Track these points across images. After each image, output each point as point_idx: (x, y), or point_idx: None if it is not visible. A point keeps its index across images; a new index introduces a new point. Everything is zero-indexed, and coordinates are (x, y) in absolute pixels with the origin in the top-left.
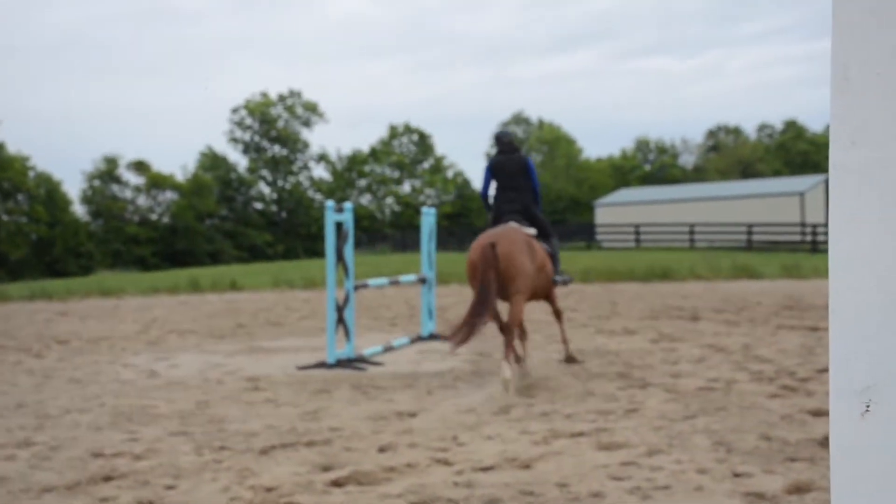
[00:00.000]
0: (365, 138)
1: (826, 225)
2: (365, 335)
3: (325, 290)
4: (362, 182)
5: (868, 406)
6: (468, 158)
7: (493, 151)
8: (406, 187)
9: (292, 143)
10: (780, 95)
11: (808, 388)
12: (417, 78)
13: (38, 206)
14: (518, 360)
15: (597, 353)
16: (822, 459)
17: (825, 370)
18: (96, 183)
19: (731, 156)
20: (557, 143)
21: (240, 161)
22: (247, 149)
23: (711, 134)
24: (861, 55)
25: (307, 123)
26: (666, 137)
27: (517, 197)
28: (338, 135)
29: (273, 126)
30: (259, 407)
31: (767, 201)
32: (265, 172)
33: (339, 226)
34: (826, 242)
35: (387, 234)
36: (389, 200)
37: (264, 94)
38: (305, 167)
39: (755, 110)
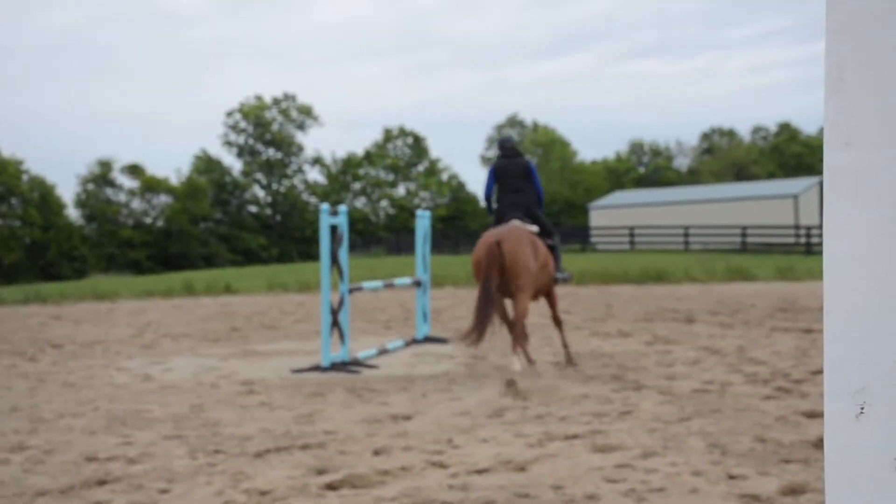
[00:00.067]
0: (359, 141)
1: (820, 227)
2: (359, 338)
3: (320, 294)
4: (357, 185)
5: (862, 408)
6: (463, 161)
7: (496, 156)
8: (401, 190)
9: (287, 147)
10: (774, 98)
11: (803, 390)
12: (412, 80)
13: (32, 209)
14: (529, 359)
15: (591, 355)
16: (817, 461)
17: (819, 372)
18: (90, 186)
19: (725, 158)
20: (552, 145)
21: (234, 164)
22: (241, 152)
23: (706, 136)
24: (855, 57)
25: (301, 127)
26: (660, 140)
27: (519, 199)
28: (332, 138)
29: (267, 129)
30: (253, 410)
31: (761, 203)
32: (259, 176)
33: (333, 229)
34: (820, 244)
35: (381, 237)
36: (384, 203)
37: (259, 98)
38: (300, 170)
39: (749, 113)
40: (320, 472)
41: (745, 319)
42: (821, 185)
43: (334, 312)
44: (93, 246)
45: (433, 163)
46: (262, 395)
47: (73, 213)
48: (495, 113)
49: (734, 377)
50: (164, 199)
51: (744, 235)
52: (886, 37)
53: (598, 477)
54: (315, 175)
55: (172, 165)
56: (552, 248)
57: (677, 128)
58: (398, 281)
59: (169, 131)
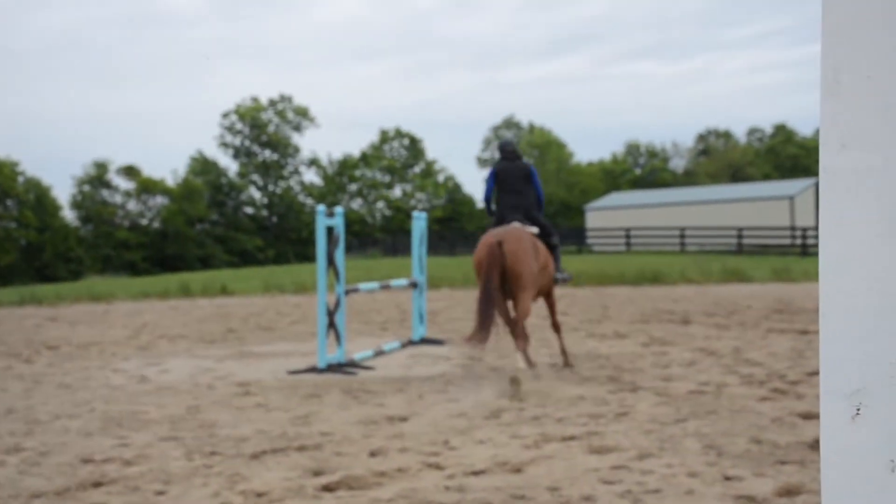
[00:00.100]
0: (356, 143)
1: (816, 228)
2: (356, 340)
3: (316, 295)
4: (353, 186)
5: (858, 409)
6: (459, 162)
7: (497, 158)
8: (397, 191)
9: (283, 148)
10: (770, 99)
11: (799, 392)
12: (408, 82)
13: (28, 211)
14: (529, 362)
15: (588, 356)
16: (813, 462)
17: (815, 373)
18: (86, 188)
19: (721, 160)
20: (548, 147)
21: (230, 166)
22: (237, 153)
23: (702, 138)
24: (851, 58)
25: (298, 128)
26: (656, 141)
27: (519, 201)
28: (329, 139)
29: (264, 131)
30: (250, 412)
31: (757, 205)
32: (256, 177)
33: (329, 230)
34: (816, 246)
35: (378, 238)
36: (380, 205)
37: (255, 99)
38: (296, 172)
39: (745, 114)
40: (317, 473)
41: (742, 321)
42: (817, 186)
43: (331, 314)
44: (88, 247)
45: (429, 164)
46: (258, 397)
47: (68, 215)
48: (492, 114)
49: (730, 378)
50: (160, 200)
51: (740, 237)
52: (883, 39)
53: (595, 478)
54: (311, 176)
55: (169, 167)
56: (553, 248)
57: (673, 129)
58: (394, 282)
59: (165, 132)
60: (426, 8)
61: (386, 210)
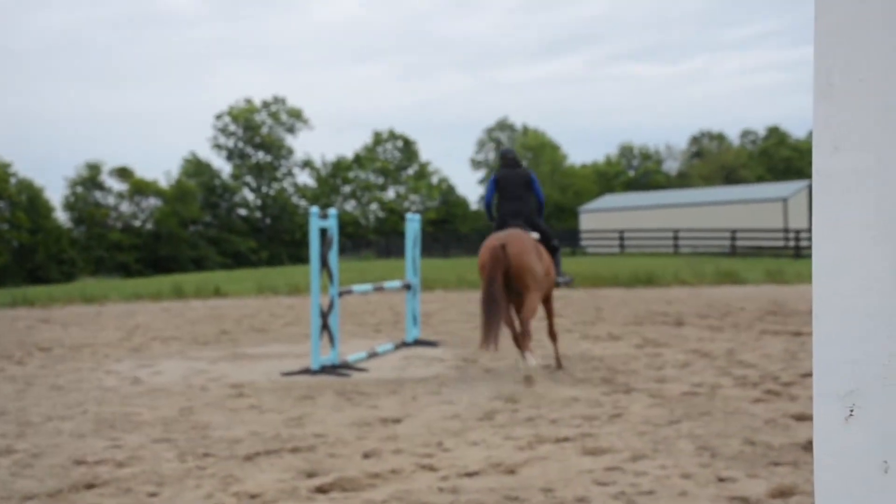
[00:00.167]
0: (349, 144)
1: (809, 230)
2: (349, 341)
3: (310, 297)
4: (347, 188)
5: (852, 410)
6: (453, 164)
7: (498, 165)
8: (390, 193)
9: (276, 150)
10: (763, 102)
11: (792, 393)
12: (402, 84)
13: (20, 212)
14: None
15: (581, 358)
16: (806, 464)
17: (809, 375)
18: (79, 189)
19: (714, 162)
20: (542, 149)
21: (224, 167)
22: (231, 155)
23: (695, 140)
24: (844, 60)
25: (291, 130)
26: (650, 143)
27: (520, 207)
28: (322, 141)
29: (257, 132)
30: (243, 413)
31: (751, 207)
32: (249, 179)
33: (323, 232)
34: (809, 248)
35: (371, 240)
36: (374, 207)
37: (248, 101)
38: (290, 173)
39: (738, 116)
40: (310, 475)
41: (735, 322)
42: (810, 188)
43: (324, 315)
44: (81, 249)
45: (423, 166)
46: (251, 398)
47: (61, 216)
48: (485, 116)
49: (724, 380)
50: (153, 201)
51: (733, 239)
52: (875, 41)
53: (588, 480)
54: (305, 178)
55: (162, 168)
56: (554, 250)
57: (667, 131)
58: (388, 284)
59: (165, 133)
60: (421, 9)
61: (379, 212)
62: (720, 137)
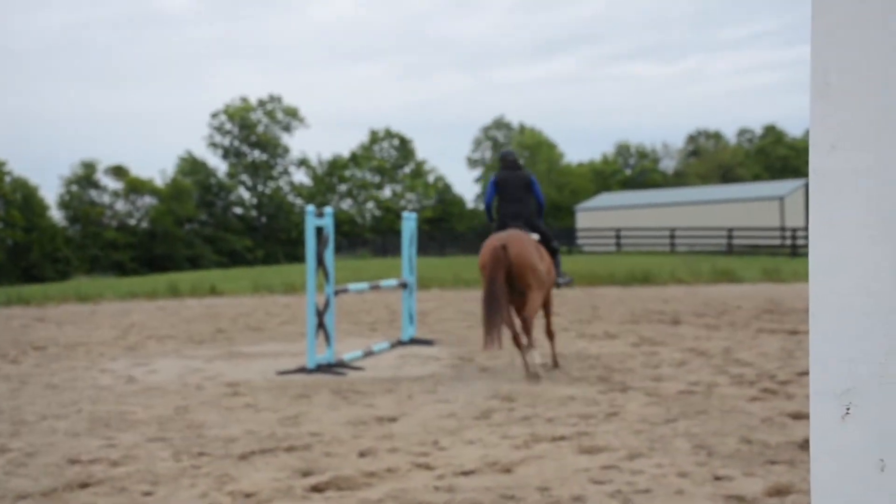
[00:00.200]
0: (346, 143)
1: (806, 229)
2: (345, 340)
3: (306, 295)
4: (343, 187)
5: (848, 409)
6: (449, 163)
7: (498, 167)
8: (387, 192)
9: (272, 148)
10: (760, 100)
11: (788, 392)
12: (399, 82)
13: (15, 210)
14: (527, 365)
15: (578, 356)
16: (803, 462)
17: (805, 373)
18: (74, 188)
19: (711, 160)
20: (539, 147)
21: (219, 166)
22: (226, 154)
23: (692, 139)
24: (841, 59)
25: (287, 128)
26: (646, 142)
27: (520, 209)
28: (318, 139)
29: (253, 131)
30: (238, 412)
31: (747, 205)
32: (245, 177)
33: (319, 230)
34: (806, 246)
35: (367, 238)
36: (370, 205)
37: (244, 99)
38: (285, 172)
39: (735, 115)
40: (305, 473)
41: (731, 321)
42: (806, 187)
43: (320, 314)
44: (76, 247)
45: (419, 164)
46: (247, 397)
47: (56, 215)
48: (482, 115)
49: (720, 379)
50: (148, 200)
51: (730, 237)
52: (873, 40)
53: (585, 478)
54: (301, 177)
55: (157, 167)
56: (554, 252)
57: (663, 130)
58: (384, 283)
59: (154, 132)
60: (418, 9)
61: (376, 210)
62: (717, 136)
